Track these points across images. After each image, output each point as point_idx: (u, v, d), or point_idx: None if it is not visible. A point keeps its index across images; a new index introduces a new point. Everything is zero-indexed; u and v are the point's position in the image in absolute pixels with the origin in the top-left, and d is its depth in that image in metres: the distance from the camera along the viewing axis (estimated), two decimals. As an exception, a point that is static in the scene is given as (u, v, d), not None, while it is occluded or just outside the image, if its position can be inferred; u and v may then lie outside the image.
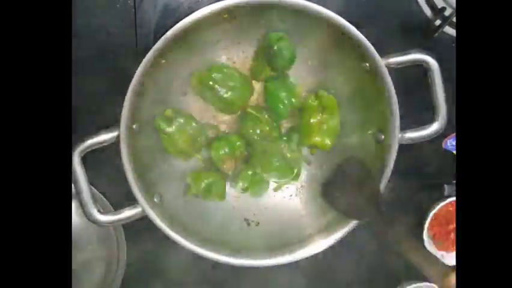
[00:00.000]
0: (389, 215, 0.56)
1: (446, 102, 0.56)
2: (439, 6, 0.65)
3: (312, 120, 0.63)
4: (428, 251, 0.51)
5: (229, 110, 0.64)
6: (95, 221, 0.56)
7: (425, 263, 0.50)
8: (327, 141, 0.63)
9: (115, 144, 0.55)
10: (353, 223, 0.58)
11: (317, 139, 0.63)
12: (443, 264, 0.50)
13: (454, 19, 0.64)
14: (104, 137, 0.55)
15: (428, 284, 0.68)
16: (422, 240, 0.68)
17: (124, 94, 0.54)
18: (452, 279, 0.45)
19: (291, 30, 0.59)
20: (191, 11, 0.54)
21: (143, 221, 0.57)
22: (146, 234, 0.67)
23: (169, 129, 0.60)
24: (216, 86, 0.61)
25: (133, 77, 0.54)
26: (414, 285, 0.69)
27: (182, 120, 0.61)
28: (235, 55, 0.63)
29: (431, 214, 0.68)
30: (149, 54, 0.54)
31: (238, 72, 0.62)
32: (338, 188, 0.62)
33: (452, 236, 0.69)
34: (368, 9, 0.66)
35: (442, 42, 0.66)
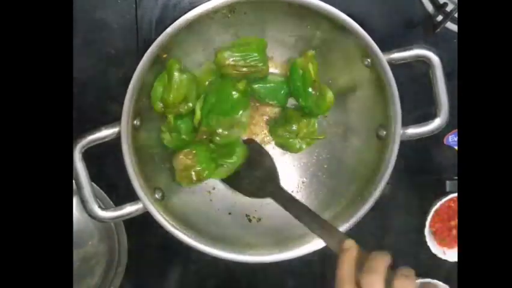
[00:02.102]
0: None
1: (448, 98, 0.55)
2: (441, 2, 0.65)
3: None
4: (328, 223, 0.54)
5: None
6: (96, 217, 0.56)
7: (325, 234, 0.52)
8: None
9: (116, 140, 0.55)
10: (353, 220, 0.58)
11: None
12: (341, 233, 0.52)
13: (456, 15, 0.64)
14: (105, 132, 0.55)
15: (431, 280, 0.68)
16: (423, 236, 0.68)
17: (125, 89, 0.54)
18: (348, 242, 0.47)
19: (291, 26, 0.59)
20: (192, 6, 0.54)
21: (145, 217, 0.57)
22: (147, 230, 0.67)
23: None
24: None
25: (134, 73, 0.54)
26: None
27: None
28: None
29: (433, 210, 0.68)
30: (150, 50, 0.54)
31: None
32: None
33: (454, 232, 0.69)
34: (369, 5, 0.66)
35: (444, 38, 0.66)
